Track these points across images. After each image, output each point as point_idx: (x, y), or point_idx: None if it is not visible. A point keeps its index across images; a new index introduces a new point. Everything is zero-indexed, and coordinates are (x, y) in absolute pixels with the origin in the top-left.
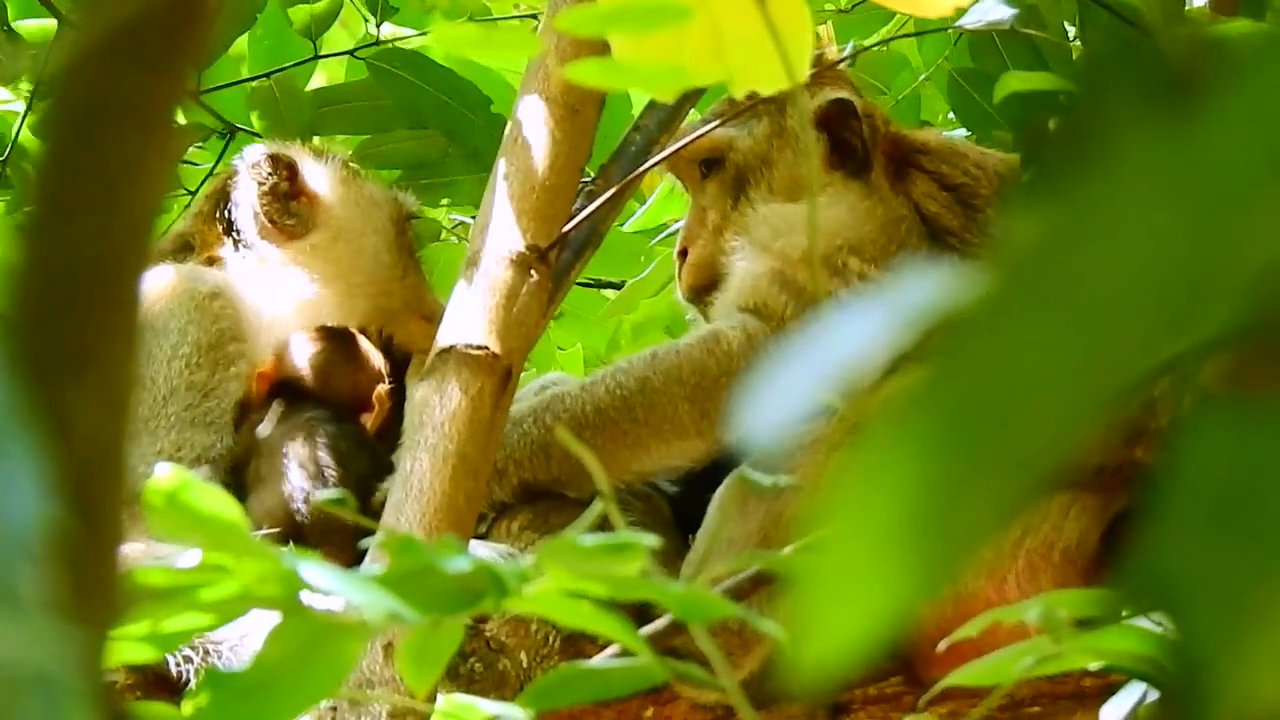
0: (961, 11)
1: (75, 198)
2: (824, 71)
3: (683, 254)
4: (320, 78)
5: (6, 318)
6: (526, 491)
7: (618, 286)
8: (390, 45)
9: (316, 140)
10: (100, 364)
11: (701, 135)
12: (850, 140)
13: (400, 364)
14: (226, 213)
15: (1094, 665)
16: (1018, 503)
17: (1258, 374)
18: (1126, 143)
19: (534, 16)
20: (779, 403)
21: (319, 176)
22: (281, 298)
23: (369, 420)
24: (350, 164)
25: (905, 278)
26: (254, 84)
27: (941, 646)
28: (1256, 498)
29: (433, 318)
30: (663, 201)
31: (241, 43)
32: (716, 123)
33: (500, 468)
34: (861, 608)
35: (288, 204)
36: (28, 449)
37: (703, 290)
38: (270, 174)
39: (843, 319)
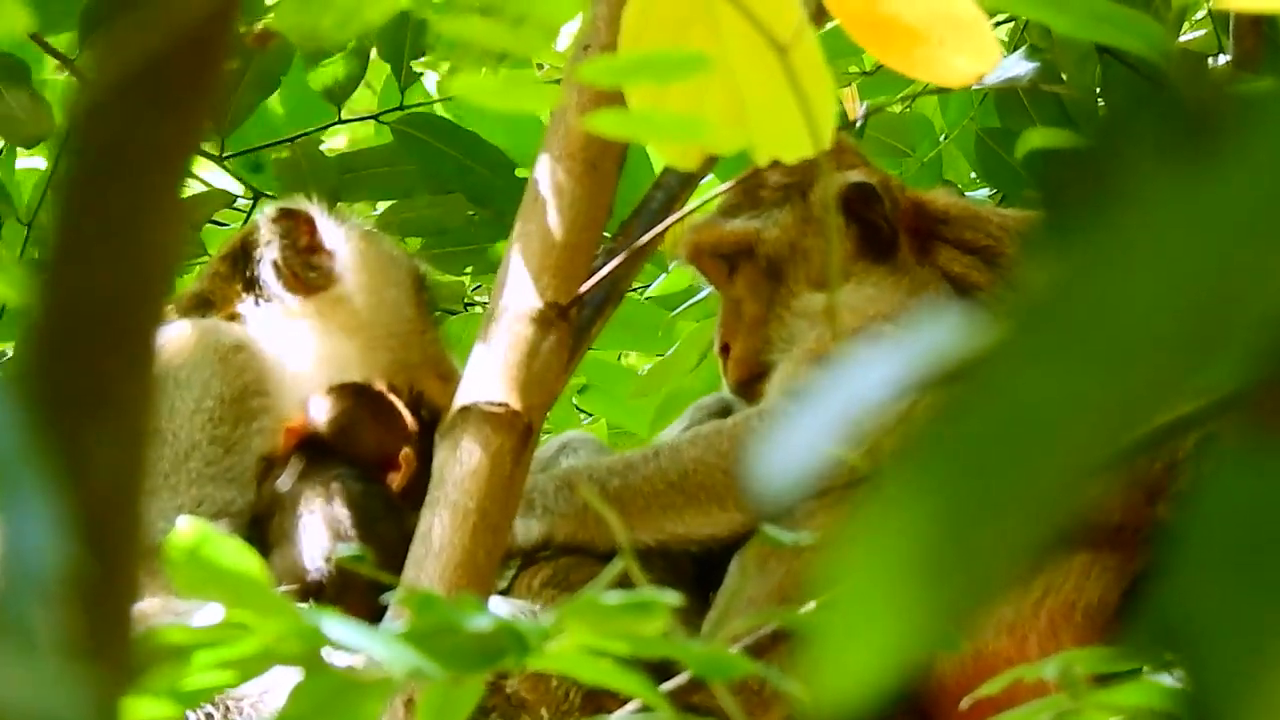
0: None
1: (91, 239)
2: (834, 145)
3: (724, 350)
4: (342, 141)
5: (22, 358)
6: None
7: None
8: (414, 109)
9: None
10: (117, 405)
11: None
12: (876, 223)
13: (429, 424)
14: (247, 268)
15: None
16: (1032, 546)
17: (1275, 417)
18: (1143, 187)
19: (542, 67)
20: (794, 451)
21: (337, 233)
22: (304, 352)
23: (395, 480)
24: (366, 225)
25: (920, 324)
26: (276, 149)
27: (964, 704)
28: (1273, 542)
29: (449, 377)
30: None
31: (268, 105)
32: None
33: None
34: (874, 649)
35: (308, 257)
36: (42, 488)
37: (749, 384)
38: (291, 228)
39: (857, 366)
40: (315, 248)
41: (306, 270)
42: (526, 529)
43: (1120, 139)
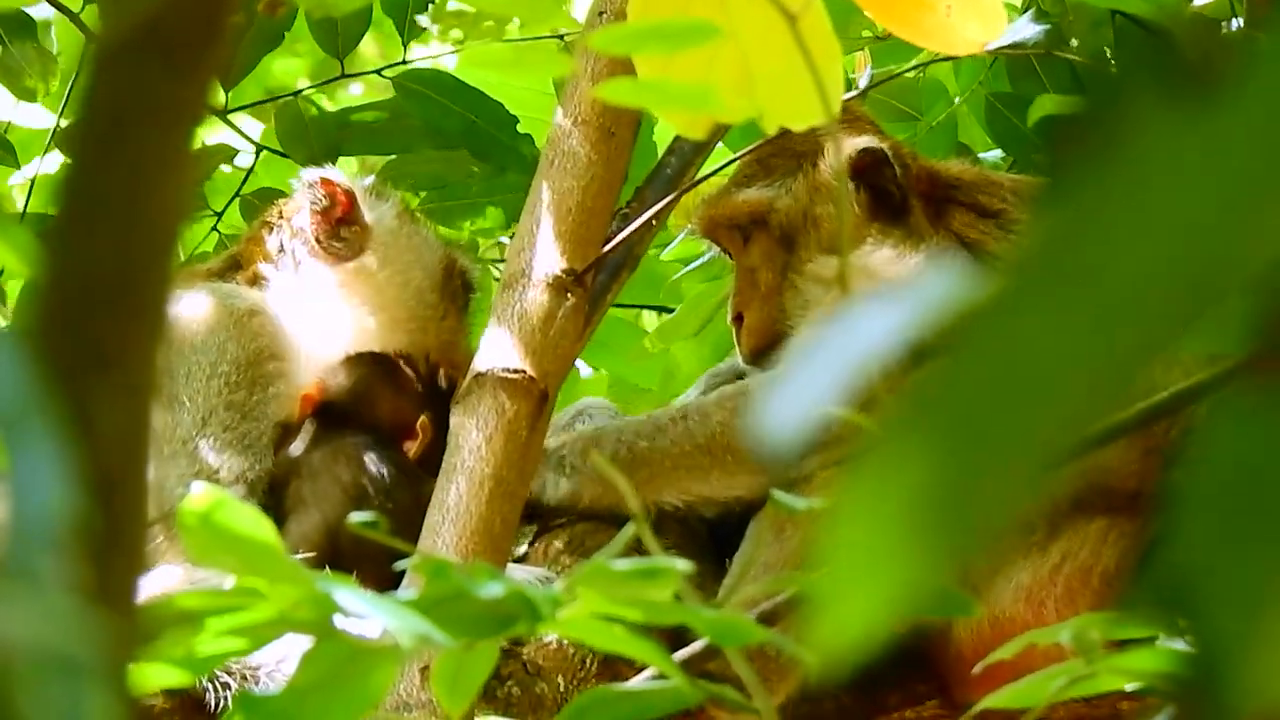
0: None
1: (98, 200)
2: (844, 111)
3: (738, 319)
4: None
5: (31, 315)
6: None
7: (650, 309)
8: (417, 66)
9: (355, 162)
10: (123, 363)
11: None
12: (886, 188)
13: (446, 394)
14: (278, 231)
15: (1129, 686)
16: (1031, 488)
17: (1273, 362)
18: (1144, 134)
19: (560, 37)
20: (799, 399)
21: (376, 208)
22: (321, 320)
23: (411, 448)
24: (411, 209)
25: (924, 276)
26: (279, 103)
27: (978, 669)
28: (1274, 492)
29: (462, 367)
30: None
31: (268, 61)
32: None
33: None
34: (877, 588)
35: (338, 229)
36: (50, 442)
37: (763, 352)
38: (324, 195)
39: (861, 316)
40: (350, 220)
41: (333, 240)
42: (555, 485)
43: (1120, 92)
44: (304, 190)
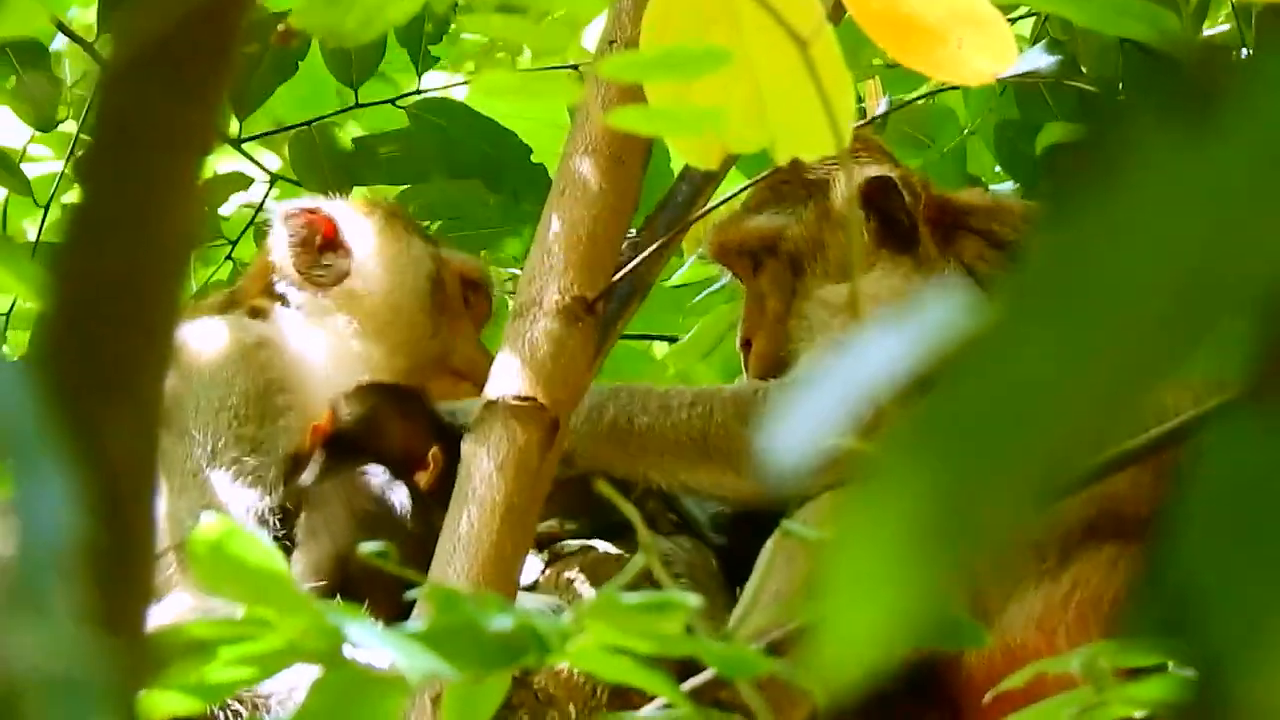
0: None
1: (106, 223)
2: (855, 139)
3: (746, 345)
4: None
5: (40, 341)
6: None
7: (659, 339)
8: (431, 96)
9: (368, 192)
10: (131, 387)
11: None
12: (896, 215)
13: (460, 424)
14: (267, 266)
15: (1138, 714)
16: (1030, 511)
17: (1274, 384)
18: (1144, 159)
19: (574, 67)
20: (802, 426)
21: (358, 230)
22: (320, 348)
23: (423, 478)
24: (398, 216)
25: (926, 303)
26: (293, 132)
27: (989, 697)
28: (1273, 506)
29: (464, 372)
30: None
31: (282, 91)
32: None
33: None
34: (877, 615)
35: (319, 256)
36: (57, 465)
37: (770, 378)
38: (302, 226)
39: (864, 344)
40: (332, 245)
41: (314, 269)
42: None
43: (1121, 118)
44: (280, 224)
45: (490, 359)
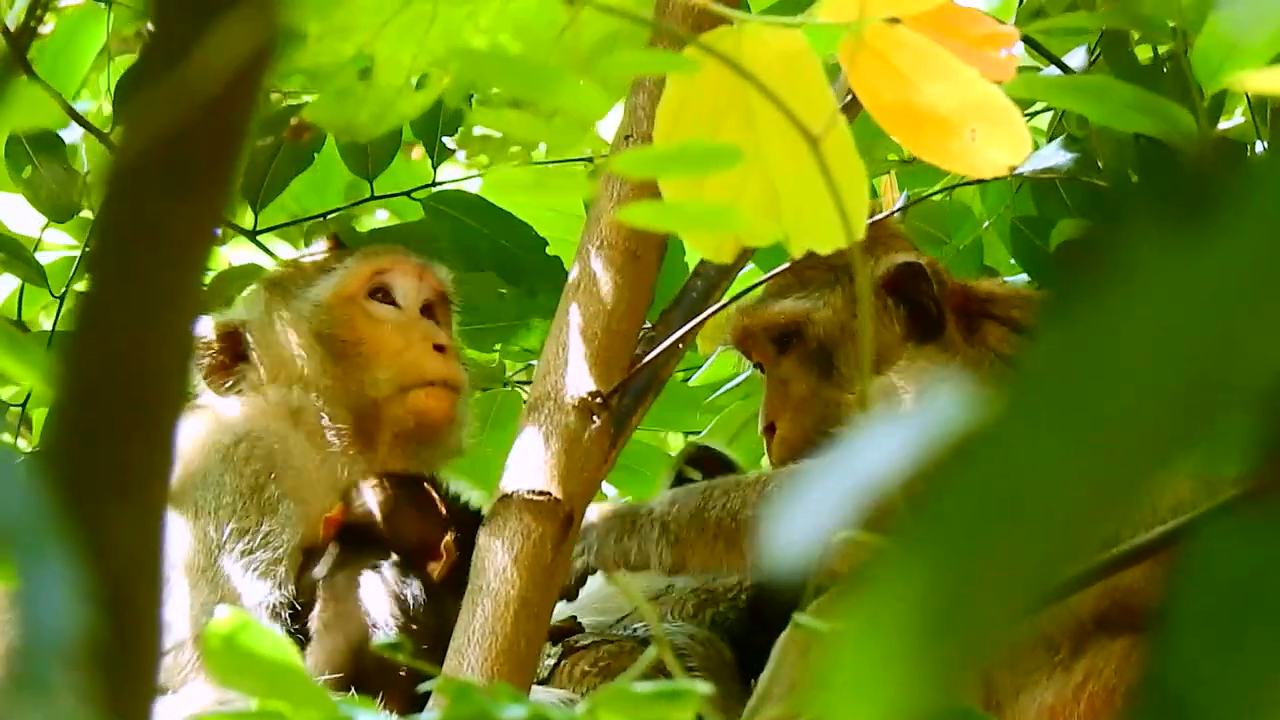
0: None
1: (110, 317)
2: (879, 229)
3: (769, 430)
4: (384, 216)
5: (46, 438)
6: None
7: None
8: (446, 187)
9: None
10: (136, 479)
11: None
12: (924, 303)
13: (472, 515)
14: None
15: None
16: (1032, 604)
17: (1268, 483)
18: (1146, 255)
19: (589, 160)
20: (804, 522)
21: (253, 328)
22: (287, 439)
23: (435, 569)
24: (273, 289)
25: (930, 398)
26: (309, 224)
27: None
28: (1268, 605)
29: (439, 378)
30: (725, 357)
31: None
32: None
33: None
34: (879, 703)
35: (229, 372)
36: (63, 559)
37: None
38: (212, 344)
39: (866, 439)
40: (241, 354)
41: (221, 385)
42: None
43: (1127, 215)
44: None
45: (461, 350)
